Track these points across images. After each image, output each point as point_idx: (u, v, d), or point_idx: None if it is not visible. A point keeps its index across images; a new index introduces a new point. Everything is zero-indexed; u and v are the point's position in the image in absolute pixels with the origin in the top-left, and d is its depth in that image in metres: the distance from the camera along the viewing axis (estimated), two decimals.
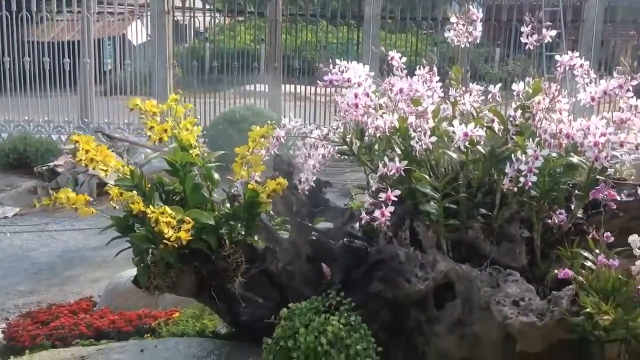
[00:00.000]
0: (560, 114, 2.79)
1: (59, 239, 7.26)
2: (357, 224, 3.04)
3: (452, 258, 2.79)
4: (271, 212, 3.34)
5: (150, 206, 2.66)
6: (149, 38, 11.42)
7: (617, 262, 2.41)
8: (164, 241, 2.61)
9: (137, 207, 2.68)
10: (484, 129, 3.03)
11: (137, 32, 11.65)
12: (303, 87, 11.41)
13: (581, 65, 3.05)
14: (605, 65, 11.54)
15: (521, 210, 2.86)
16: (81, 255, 6.74)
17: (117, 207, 2.92)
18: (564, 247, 2.72)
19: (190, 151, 2.92)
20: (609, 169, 2.98)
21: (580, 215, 2.89)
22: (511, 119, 2.90)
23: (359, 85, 2.94)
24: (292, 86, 11.52)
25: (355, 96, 2.91)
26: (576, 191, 2.83)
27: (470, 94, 3.15)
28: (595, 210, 2.86)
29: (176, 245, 2.63)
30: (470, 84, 3.22)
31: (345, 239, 2.73)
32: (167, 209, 2.65)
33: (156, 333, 3.92)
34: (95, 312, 4.67)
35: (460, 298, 2.64)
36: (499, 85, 3.12)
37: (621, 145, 2.64)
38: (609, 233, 2.60)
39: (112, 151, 3.17)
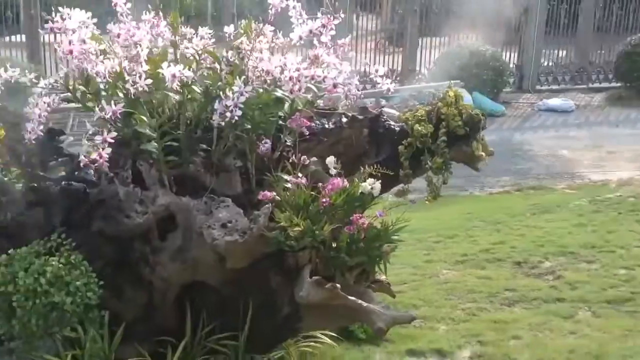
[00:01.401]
0: (261, 52, 3.05)
1: None
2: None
3: (179, 192, 3.00)
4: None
5: None
6: None
7: (305, 180, 2.76)
8: None
9: None
10: (207, 70, 3.25)
11: None
12: None
13: (294, 7, 3.35)
14: (362, 6, 12.44)
15: (238, 143, 3.13)
16: None
17: None
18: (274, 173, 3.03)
19: None
20: (317, 101, 3.36)
21: (289, 144, 3.23)
22: (224, 59, 3.14)
23: (74, 32, 2.99)
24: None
25: (70, 43, 2.96)
26: (281, 122, 3.15)
27: (200, 38, 3.35)
28: (302, 138, 3.21)
29: None
30: (200, 27, 3.40)
31: (63, 182, 2.83)
32: None
33: None
34: None
35: (181, 228, 2.87)
36: (207, 27, 3.31)
37: (312, 78, 2.98)
38: (305, 157, 2.95)
39: None
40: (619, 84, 12.37)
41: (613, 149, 8.85)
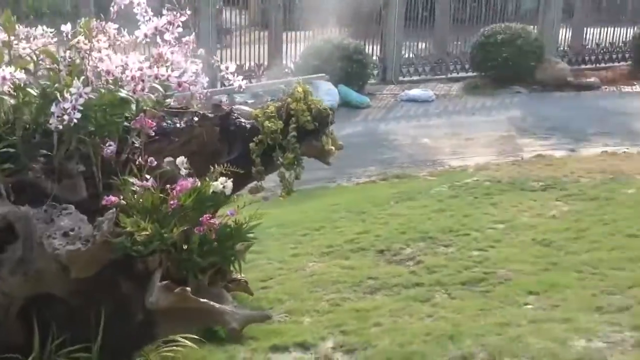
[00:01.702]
0: (100, 52, 2.93)
1: None
2: None
3: (18, 200, 2.83)
4: None
5: None
6: None
7: (153, 182, 2.68)
8: None
9: None
10: (46, 70, 3.10)
11: None
12: None
13: (139, 4, 3.25)
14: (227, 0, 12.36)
15: (81, 146, 2.99)
16: None
17: None
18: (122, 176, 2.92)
19: None
20: (168, 100, 3.28)
21: (138, 145, 3.12)
22: (62, 59, 3.00)
23: None
24: None
25: None
26: (127, 124, 3.05)
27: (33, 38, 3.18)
28: (152, 138, 3.11)
29: None
30: (31, 27, 3.24)
31: None
32: None
33: None
34: None
35: (21, 238, 2.71)
36: (45, 27, 3.17)
37: (156, 77, 2.89)
38: (152, 158, 2.86)
39: None
40: (474, 74, 13.01)
41: (470, 136, 9.29)
